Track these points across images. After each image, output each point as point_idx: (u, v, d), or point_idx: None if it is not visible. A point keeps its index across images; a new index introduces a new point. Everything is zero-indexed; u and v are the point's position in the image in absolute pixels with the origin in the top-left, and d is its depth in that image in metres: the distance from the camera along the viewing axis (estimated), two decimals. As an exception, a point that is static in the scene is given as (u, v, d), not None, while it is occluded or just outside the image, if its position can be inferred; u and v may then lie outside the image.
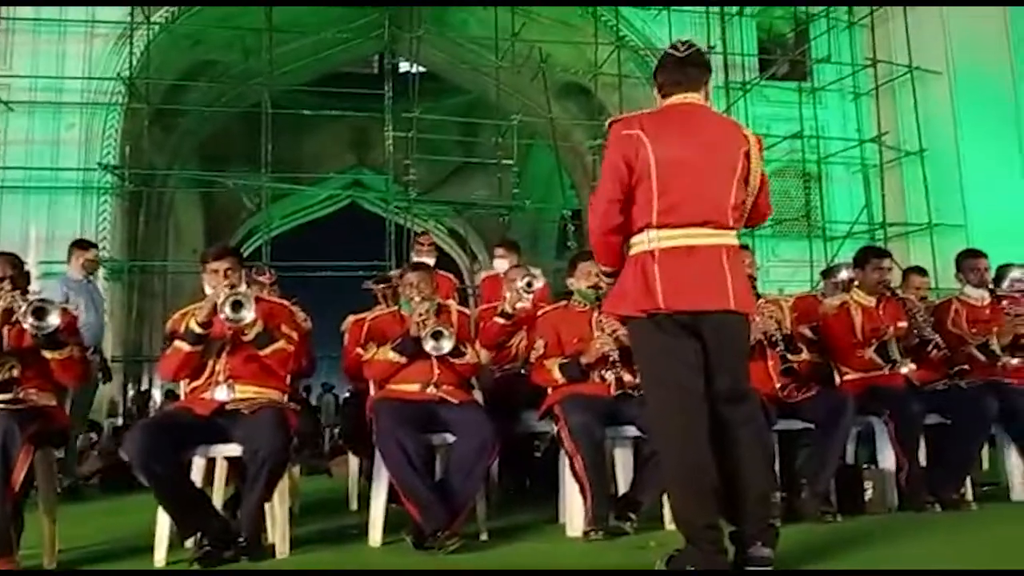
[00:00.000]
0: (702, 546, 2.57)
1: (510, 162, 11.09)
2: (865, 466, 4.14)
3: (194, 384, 3.51)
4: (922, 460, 4.07)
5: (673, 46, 2.88)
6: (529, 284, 4.60)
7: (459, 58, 12.57)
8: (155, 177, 11.11)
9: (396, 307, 4.14)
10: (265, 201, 11.15)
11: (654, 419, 2.81)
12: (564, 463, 3.68)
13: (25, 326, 3.13)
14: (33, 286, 3.63)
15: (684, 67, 2.81)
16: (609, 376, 3.82)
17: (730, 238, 2.75)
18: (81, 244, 6.26)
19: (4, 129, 9.51)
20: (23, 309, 3.11)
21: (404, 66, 14.41)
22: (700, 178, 2.68)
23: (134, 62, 9.80)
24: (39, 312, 3.13)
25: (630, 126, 2.71)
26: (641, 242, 2.71)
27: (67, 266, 6.15)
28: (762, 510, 2.66)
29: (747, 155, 2.76)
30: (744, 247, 3.06)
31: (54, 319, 3.15)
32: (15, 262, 3.40)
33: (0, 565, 2.92)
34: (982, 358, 4.41)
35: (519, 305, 4.58)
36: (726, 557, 2.60)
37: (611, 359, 3.80)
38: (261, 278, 4.81)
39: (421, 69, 13.08)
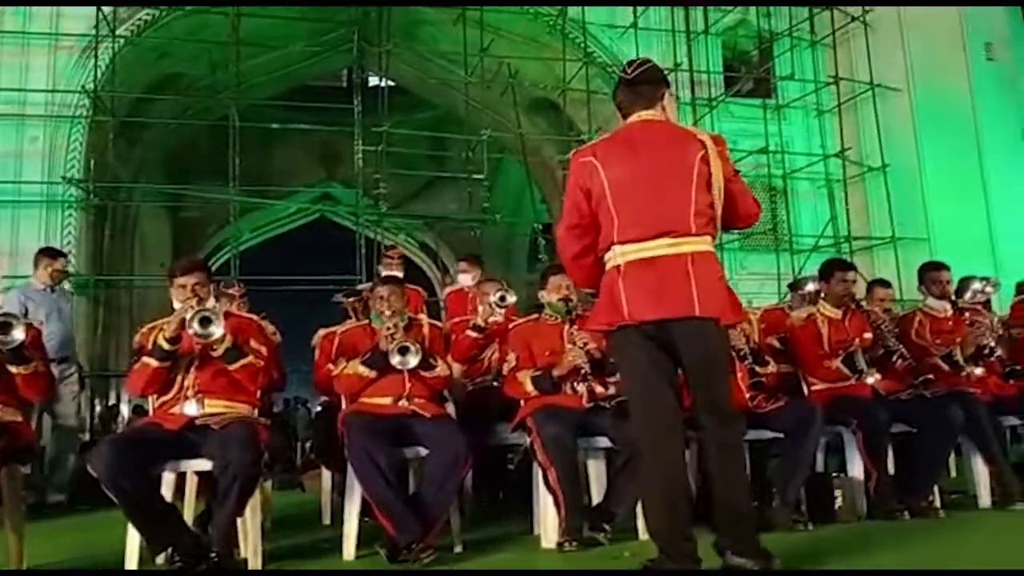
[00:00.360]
0: (675, 557, 2.60)
1: (480, 176, 11.14)
2: (834, 475, 4.20)
3: (163, 399, 3.47)
4: (890, 469, 4.13)
5: (624, 68, 2.98)
6: (502, 298, 4.62)
7: (428, 73, 12.61)
8: (120, 190, 10.96)
9: (367, 320, 4.13)
10: (234, 215, 11.05)
11: (634, 431, 2.86)
12: (538, 475, 3.69)
13: None
14: (-1, 300, 3.59)
15: (634, 87, 2.92)
16: (581, 388, 3.84)
17: (697, 245, 2.75)
18: (49, 252, 6.12)
19: (-33, 142, 9.36)
20: None
21: (373, 80, 14.41)
22: (653, 191, 2.76)
23: (99, 75, 9.68)
24: (3, 327, 3.09)
25: (584, 154, 2.89)
26: (610, 259, 2.82)
27: (32, 276, 6.03)
28: (735, 525, 2.67)
29: (704, 159, 2.78)
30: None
31: (19, 334, 3.11)
32: (-19, 276, 3.36)
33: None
34: (946, 368, 4.51)
35: (491, 319, 4.60)
36: (698, 567, 2.62)
37: (583, 371, 3.82)
38: (230, 291, 4.78)
39: (390, 83, 13.09)
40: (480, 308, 4.67)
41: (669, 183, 2.75)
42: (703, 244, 2.77)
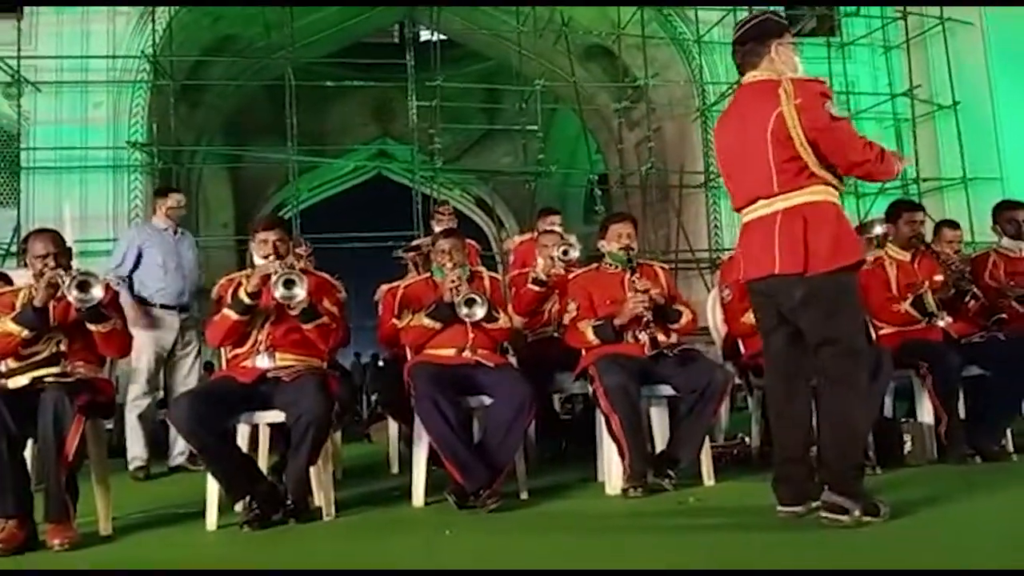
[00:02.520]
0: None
1: (535, 128, 11.06)
2: (903, 420, 4.14)
3: (236, 351, 3.58)
4: (961, 413, 4.05)
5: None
6: (565, 253, 4.61)
7: (480, 24, 12.47)
8: (183, 153, 11.19)
9: (428, 274, 4.17)
10: (292, 174, 11.20)
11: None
12: (601, 423, 3.72)
13: (70, 299, 3.19)
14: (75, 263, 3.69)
15: (740, 48, 2.99)
16: (643, 336, 3.83)
17: (788, 200, 2.78)
18: (161, 191, 5.69)
19: (33, 110, 9.64)
20: (67, 283, 3.18)
21: (425, 35, 14.34)
22: (740, 159, 2.93)
23: (157, 39, 9.84)
24: (83, 285, 3.19)
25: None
26: (742, 220, 3.03)
27: (154, 218, 5.55)
28: (825, 464, 2.80)
29: (779, 115, 2.75)
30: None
31: (98, 292, 3.21)
32: (57, 239, 3.46)
33: (59, 531, 3.01)
34: (1020, 309, 4.37)
35: (552, 271, 4.60)
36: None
37: (644, 319, 3.81)
38: (298, 250, 4.86)
39: (442, 37, 13.01)
40: (540, 261, 4.67)
41: (750, 148, 2.84)
42: (797, 198, 2.78)
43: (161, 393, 5.52)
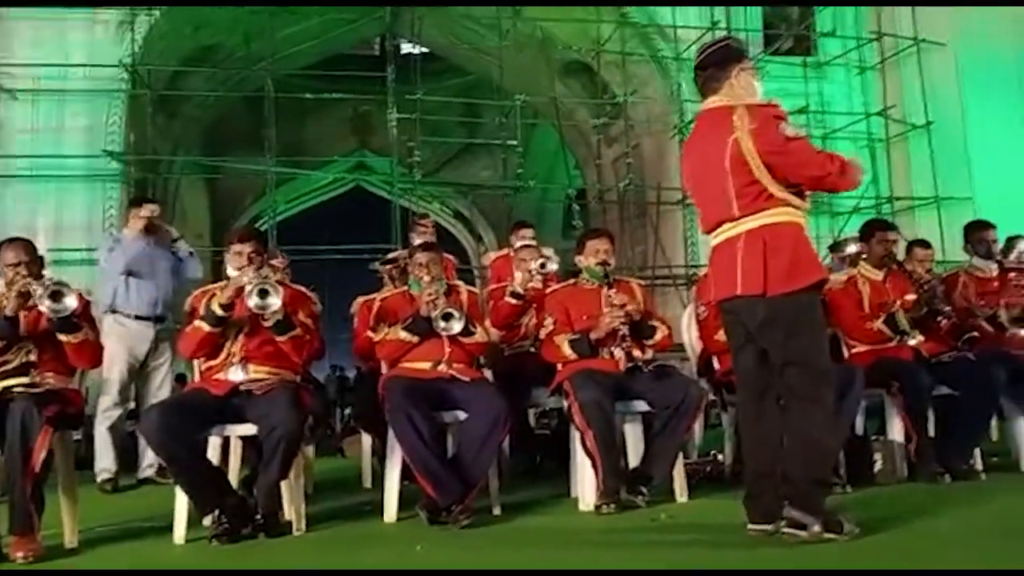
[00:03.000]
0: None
1: (514, 142, 11.09)
2: (874, 438, 4.17)
3: (210, 363, 3.55)
4: (931, 431, 4.09)
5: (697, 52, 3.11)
6: (543, 266, 4.62)
7: (461, 38, 12.52)
8: (160, 163, 11.11)
9: (405, 287, 4.16)
10: (270, 186, 11.16)
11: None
12: (575, 438, 3.72)
13: (42, 309, 3.15)
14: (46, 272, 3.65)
15: (697, 76, 3.05)
16: (618, 352, 3.84)
17: (749, 223, 2.83)
18: (135, 201, 5.56)
19: (9, 118, 9.52)
20: (39, 293, 3.14)
21: (406, 48, 14.37)
22: (703, 184, 2.99)
23: (136, 48, 9.77)
24: (56, 295, 3.16)
25: None
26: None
27: (127, 228, 5.40)
28: (787, 479, 2.81)
29: (735, 140, 2.80)
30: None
31: (71, 302, 3.17)
32: (29, 248, 3.43)
33: (22, 544, 2.97)
34: (990, 329, 4.44)
35: (530, 285, 4.60)
36: None
37: (620, 334, 3.82)
38: (274, 262, 4.84)
39: (423, 50, 13.05)
40: (518, 275, 4.68)
41: (711, 174, 2.90)
42: (758, 221, 2.82)
43: (132, 404, 5.46)
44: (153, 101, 10.11)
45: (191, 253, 5.51)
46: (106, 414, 5.07)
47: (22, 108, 9.51)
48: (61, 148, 9.45)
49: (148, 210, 5.29)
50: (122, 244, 5.28)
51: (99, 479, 5.00)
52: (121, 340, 5.06)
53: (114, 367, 5.02)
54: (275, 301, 3.35)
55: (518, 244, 5.56)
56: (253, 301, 3.33)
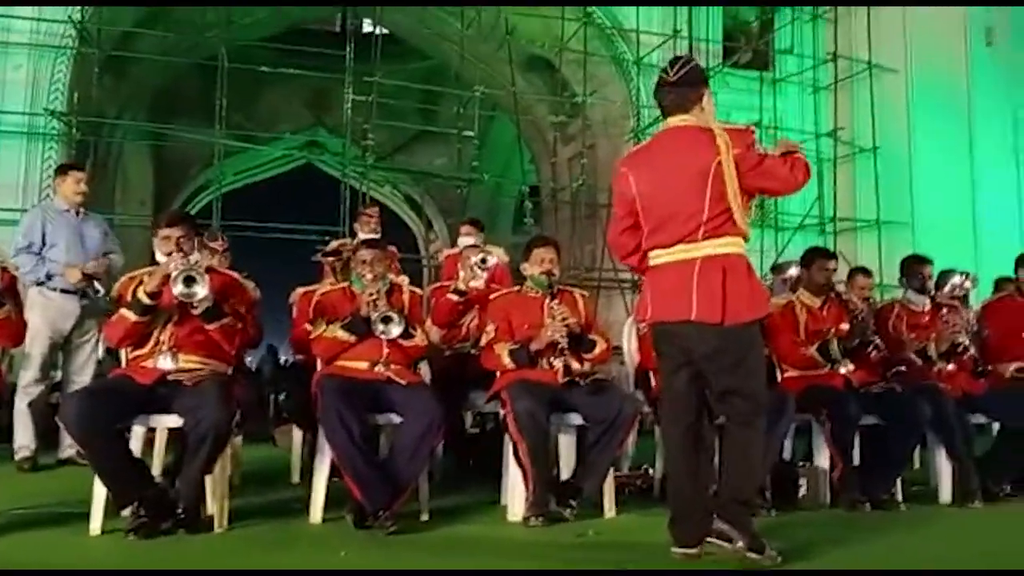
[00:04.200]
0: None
1: (471, 133, 10.99)
2: (800, 464, 4.26)
3: (137, 352, 3.44)
4: (856, 459, 4.18)
5: (666, 68, 3.04)
6: (483, 260, 4.58)
7: (424, 23, 12.35)
8: (104, 126, 10.72)
9: (347, 283, 4.10)
10: (218, 157, 10.88)
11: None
12: (508, 447, 3.71)
13: None
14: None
15: (674, 89, 2.99)
16: (557, 363, 3.84)
17: (710, 248, 2.85)
18: (61, 168, 5.35)
19: (-53, 67, 9.12)
20: None
21: (367, 27, 14.14)
22: (670, 202, 2.91)
23: (86, 6, 9.44)
24: None
25: (621, 165, 3.10)
26: (650, 259, 3.03)
27: (52, 197, 5.36)
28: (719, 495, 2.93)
29: (719, 164, 2.82)
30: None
31: None
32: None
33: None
34: (919, 362, 4.56)
35: (472, 283, 4.57)
36: None
37: (560, 346, 3.82)
38: (213, 244, 4.72)
39: (384, 31, 12.85)
40: (462, 273, 4.65)
41: (681, 191, 2.88)
42: (717, 248, 2.85)
43: (58, 377, 5.27)
44: (101, 61, 9.75)
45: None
46: (26, 390, 4.89)
47: (-39, 58, 9.10)
48: (1, 103, 9.08)
49: (74, 178, 5.10)
50: (50, 213, 5.08)
51: (17, 457, 4.84)
52: (45, 313, 4.88)
53: (35, 342, 4.85)
54: (201, 290, 3.26)
55: (462, 243, 5.55)
56: (178, 289, 3.24)
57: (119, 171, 12.43)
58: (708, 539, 2.85)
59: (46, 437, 4.98)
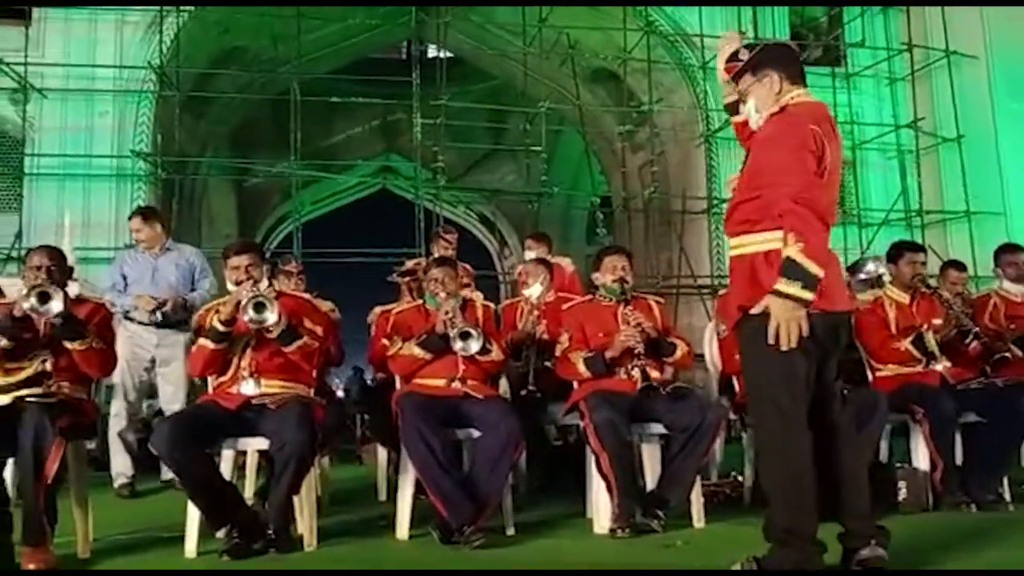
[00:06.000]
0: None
1: (539, 148, 11.03)
2: (899, 465, 4.07)
3: (221, 379, 3.54)
4: (959, 459, 3.99)
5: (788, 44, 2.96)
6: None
7: (487, 44, 12.48)
8: (187, 164, 11.18)
9: (421, 300, 4.13)
10: (295, 187, 11.20)
11: None
12: (590, 459, 3.66)
13: (24, 307, 3.12)
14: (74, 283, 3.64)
15: (799, 64, 2.89)
16: (635, 371, 3.78)
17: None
18: (133, 215, 5.46)
19: (38, 116, 9.62)
20: (26, 292, 3.13)
21: (432, 52, 14.37)
22: (835, 183, 2.75)
23: (164, 50, 9.86)
24: (42, 296, 3.11)
25: (808, 121, 2.66)
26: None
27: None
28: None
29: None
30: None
31: (56, 305, 3.10)
32: (54, 254, 3.42)
33: (35, 556, 2.97)
34: (1020, 353, 4.32)
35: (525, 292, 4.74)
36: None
37: (636, 352, 3.76)
38: (288, 267, 4.83)
39: (449, 55, 13.03)
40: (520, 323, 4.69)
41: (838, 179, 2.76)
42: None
43: (157, 405, 5.47)
44: (181, 102, 10.17)
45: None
46: (116, 418, 5.09)
47: (51, 107, 9.61)
48: (90, 147, 9.55)
49: (132, 225, 5.31)
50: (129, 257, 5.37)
51: (116, 484, 5.01)
52: (125, 345, 5.07)
53: (120, 373, 5.03)
54: (271, 315, 3.33)
55: (527, 256, 5.62)
56: (249, 315, 3.31)
57: (204, 206, 12.90)
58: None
59: (146, 461, 5.15)
